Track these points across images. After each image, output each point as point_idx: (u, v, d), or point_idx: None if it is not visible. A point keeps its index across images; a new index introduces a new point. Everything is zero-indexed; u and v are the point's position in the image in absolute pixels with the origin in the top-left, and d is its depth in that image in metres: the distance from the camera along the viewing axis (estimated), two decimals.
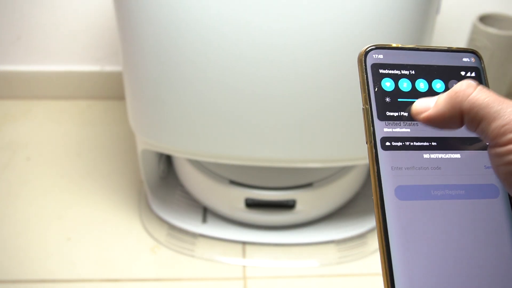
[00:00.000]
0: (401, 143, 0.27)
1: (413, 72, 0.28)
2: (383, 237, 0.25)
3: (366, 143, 0.27)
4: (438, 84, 0.28)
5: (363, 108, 0.27)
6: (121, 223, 1.07)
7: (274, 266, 0.98)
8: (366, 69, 0.28)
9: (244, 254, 1.01)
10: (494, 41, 1.22)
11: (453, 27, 1.36)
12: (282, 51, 0.73)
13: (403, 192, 0.26)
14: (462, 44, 1.34)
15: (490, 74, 1.32)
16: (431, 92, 0.28)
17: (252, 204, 0.99)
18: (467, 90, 0.24)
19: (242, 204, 0.99)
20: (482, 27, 1.23)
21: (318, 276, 0.97)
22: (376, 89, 0.28)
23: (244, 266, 0.98)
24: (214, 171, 1.00)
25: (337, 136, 0.82)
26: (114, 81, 1.41)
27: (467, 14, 1.32)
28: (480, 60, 0.29)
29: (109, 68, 1.43)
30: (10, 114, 1.40)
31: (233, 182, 0.98)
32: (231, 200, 0.99)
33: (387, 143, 0.27)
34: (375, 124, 0.27)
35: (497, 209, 0.26)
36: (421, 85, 0.28)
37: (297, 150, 0.83)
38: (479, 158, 0.27)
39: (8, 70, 1.43)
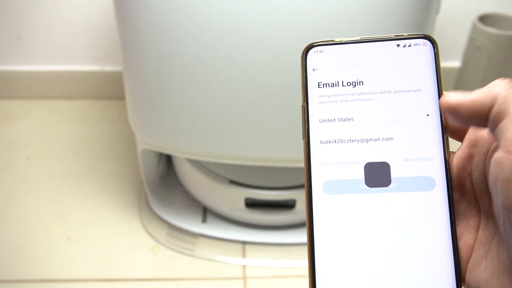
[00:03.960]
0: (334, 140, 0.27)
1: (354, 68, 0.28)
2: (309, 231, 0.26)
3: (302, 139, 0.27)
4: (380, 79, 0.27)
5: (301, 106, 0.28)
6: (121, 223, 1.07)
7: (274, 266, 0.98)
8: (305, 66, 0.28)
9: (244, 254, 1.01)
10: (494, 41, 1.22)
11: (453, 27, 1.36)
12: (282, 51, 0.73)
13: (330, 187, 0.26)
14: (462, 44, 1.35)
15: (490, 74, 1.32)
16: (371, 89, 0.27)
17: (252, 204, 0.99)
18: (508, 83, 0.23)
19: (242, 204, 0.99)
20: (482, 27, 1.23)
21: None
22: (313, 88, 0.28)
23: (244, 266, 0.98)
24: (214, 171, 1.00)
25: None
26: (114, 81, 1.41)
27: (467, 14, 1.32)
28: (433, 45, 0.27)
29: (109, 68, 1.43)
30: (10, 114, 1.40)
31: (233, 182, 0.98)
32: (231, 200, 1.00)
33: (320, 140, 0.27)
34: (310, 122, 0.27)
35: (431, 202, 0.25)
36: (362, 82, 0.27)
37: (297, 150, 0.83)
38: (415, 150, 0.26)
39: (8, 70, 1.43)
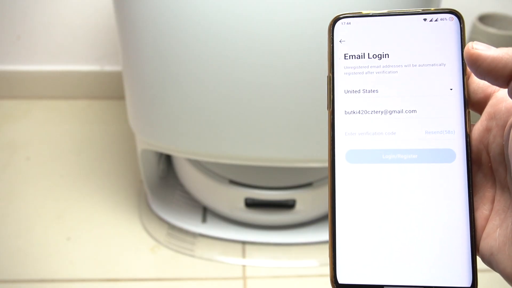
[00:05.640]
0: (358, 111, 0.27)
1: (381, 40, 0.28)
2: (330, 198, 0.27)
3: (327, 109, 0.28)
4: (406, 52, 0.28)
5: (327, 76, 0.28)
6: (121, 223, 1.07)
7: (274, 266, 0.98)
8: (332, 38, 0.29)
9: (244, 254, 1.01)
10: (494, 41, 1.22)
11: None
12: (282, 51, 0.73)
13: (353, 156, 0.27)
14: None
15: None
16: (396, 61, 0.28)
17: (251, 204, 0.99)
18: None
19: (241, 204, 0.99)
20: (482, 27, 1.23)
21: (317, 276, 0.97)
22: (339, 59, 0.28)
23: (244, 266, 0.98)
24: (214, 171, 1.00)
25: None
26: (114, 81, 1.41)
27: (467, 14, 1.31)
28: (460, 21, 0.28)
29: (109, 67, 1.43)
30: (10, 114, 1.40)
31: (233, 182, 0.98)
32: (231, 200, 0.99)
33: (345, 110, 0.28)
34: (335, 92, 0.28)
35: (451, 174, 0.26)
36: (388, 54, 0.28)
37: (297, 150, 0.83)
38: (437, 123, 0.27)
39: (8, 70, 1.43)
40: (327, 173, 0.90)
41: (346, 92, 0.28)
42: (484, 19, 1.26)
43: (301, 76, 0.75)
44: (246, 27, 0.71)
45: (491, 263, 0.25)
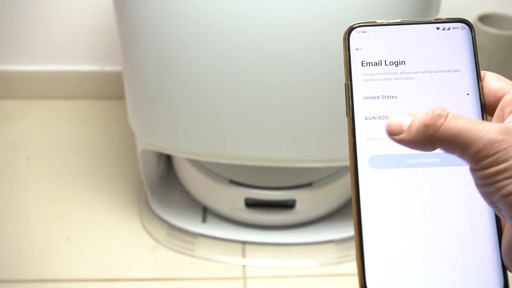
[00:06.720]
0: (379, 116, 0.28)
1: (396, 48, 0.29)
2: (355, 204, 0.27)
3: (346, 116, 0.28)
4: (422, 60, 0.28)
5: (345, 84, 0.29)
6: (121, 223, 1.07)
7: (274, 266, 0.98)
8: (349, 46, 0.29)
9: (244, 254, 1.01)
10: (494, 41, 1.22)
11: None
12: (282, 50, 0.73)
13: (376, 161, 0.27)
14: None
15: None
16: (413, 68, 0.28)
17: (252, 204, 0.99)
18: (437, 122, 0.23)
19: (242, 204, 0.99)
20: (482, 27, 1.23)
21: (318, 276, 0.97)
22: (357, 66, 0.29)
23: (244, 266, 0.98)
24: (214, 171, 1.00)
25: (337, 135, 0.82)
26: (114, 81, 1.41)
27: (467, 14, 1.32)
28: (470, 29, 0.29)
29: (109, 67, 1.43)
30: (10, 114, 1.40)
31: (233, 182, 0.98)
32: (231, 199, 0.99)
33: (365, 116, 0.28)
34: (354, 99, 0.28)
35: None
36: (404, 61, 0.29)
37: (297, 150, 0.83)
38: None
39: (8, 70, 1.43)
40: (328, 173, 0.90)
41: (365, 98, 0.28)
42: (484, 19, 1.26)
43: (301, 76, 0.75)
44: (246, 27, 0.71)
45: (506, 264, 0.25)
